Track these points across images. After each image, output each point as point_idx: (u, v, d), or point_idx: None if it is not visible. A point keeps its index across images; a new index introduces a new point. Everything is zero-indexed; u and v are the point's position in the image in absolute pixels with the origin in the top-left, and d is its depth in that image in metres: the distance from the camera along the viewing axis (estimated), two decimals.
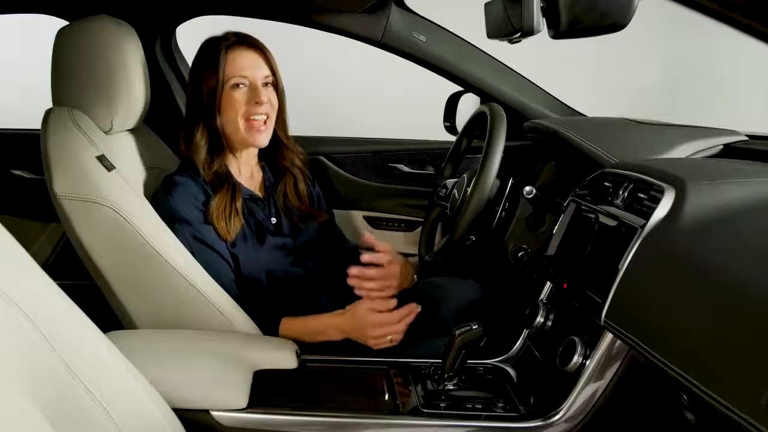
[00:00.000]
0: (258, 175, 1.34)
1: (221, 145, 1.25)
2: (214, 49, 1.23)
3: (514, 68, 1.64)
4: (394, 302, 1.17)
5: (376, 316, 1.15)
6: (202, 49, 1.27)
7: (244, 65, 1.23)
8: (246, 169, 1.31)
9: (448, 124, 1.67)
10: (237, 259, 1.22)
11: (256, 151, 1.32)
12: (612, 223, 0.85)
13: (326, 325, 1.17)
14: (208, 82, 1.22)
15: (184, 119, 1.29)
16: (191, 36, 1.66)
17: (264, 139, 1.26)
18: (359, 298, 1.22)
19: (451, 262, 1.18)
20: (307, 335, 1.17)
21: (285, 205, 1.33)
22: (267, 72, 1.25)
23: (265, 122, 1.25)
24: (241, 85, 1.22)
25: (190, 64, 1.68)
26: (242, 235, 1.23)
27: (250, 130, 1.24)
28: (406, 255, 1.73)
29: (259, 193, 1.31)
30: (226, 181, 1.23)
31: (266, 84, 1.25)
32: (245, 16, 1.56)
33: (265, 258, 1.25)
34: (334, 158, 1.72)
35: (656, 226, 0.75)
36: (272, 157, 1.36)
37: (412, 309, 1.17)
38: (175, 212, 1.16)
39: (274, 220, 1.30)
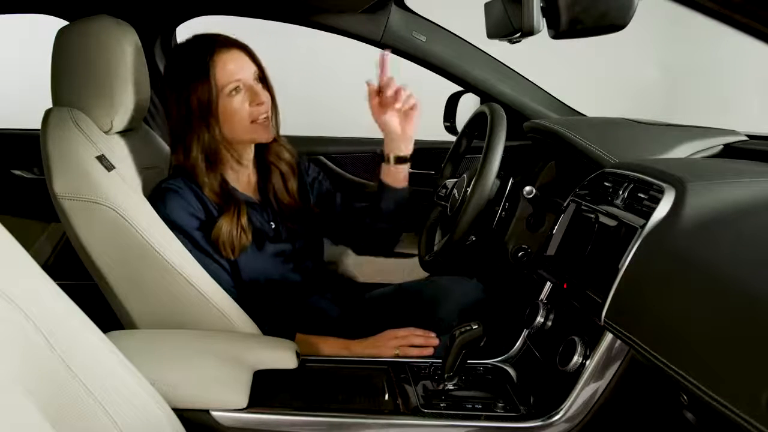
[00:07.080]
0: (253, 178, 1.31)
1: (219, 154, 1.21)
2: (197, 57, 1.17)
3: (514, 68, 1.64)
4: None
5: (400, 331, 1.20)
6: (180, 57, 1.21)
7: (235, 69, 1.18)
8: (243, 174, 1.29)
9: (448, 124, 1.67)
10: (236, 265, 1.21)
11: (252, 153, 1.29)
12: (612, 223, 0.85)
13: (339, 348, 1.19)
14: (199, 93, 1.16)
15: (172, 133, 1.23)
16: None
17: (271, 134, 1.24)
18: (360, 301, 1.22)
19: (451, 262, 1.18)
20: (314, 354, 1.18)
21: (279, 207, 1.31)
22: (254, 68, 1.22)
23: (266, 118, 1.23)
24: (237, 89, 1.18)
25: None
26: None
27: (257, 129, 1.21)
28: (405, 255, 1.74)
29: (255, 198, 1.29)
30: (231, 200, 1.20)
31: (257, 80, 1.22)
32: (245, 16, 1.56)
33: (264, 264, 1.24)
34: (334, 158, 1.72)
35: (656, 226, 0.75)
36: (260, 154, 1.31)
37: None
38: (170, 221, 1.14)
39: (272, 225, 1.29)
